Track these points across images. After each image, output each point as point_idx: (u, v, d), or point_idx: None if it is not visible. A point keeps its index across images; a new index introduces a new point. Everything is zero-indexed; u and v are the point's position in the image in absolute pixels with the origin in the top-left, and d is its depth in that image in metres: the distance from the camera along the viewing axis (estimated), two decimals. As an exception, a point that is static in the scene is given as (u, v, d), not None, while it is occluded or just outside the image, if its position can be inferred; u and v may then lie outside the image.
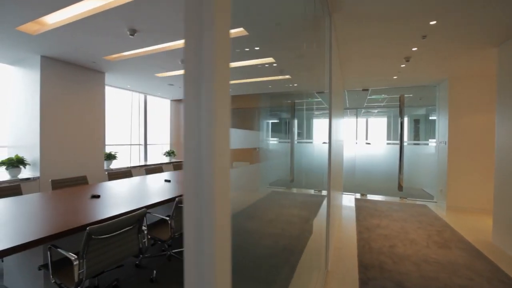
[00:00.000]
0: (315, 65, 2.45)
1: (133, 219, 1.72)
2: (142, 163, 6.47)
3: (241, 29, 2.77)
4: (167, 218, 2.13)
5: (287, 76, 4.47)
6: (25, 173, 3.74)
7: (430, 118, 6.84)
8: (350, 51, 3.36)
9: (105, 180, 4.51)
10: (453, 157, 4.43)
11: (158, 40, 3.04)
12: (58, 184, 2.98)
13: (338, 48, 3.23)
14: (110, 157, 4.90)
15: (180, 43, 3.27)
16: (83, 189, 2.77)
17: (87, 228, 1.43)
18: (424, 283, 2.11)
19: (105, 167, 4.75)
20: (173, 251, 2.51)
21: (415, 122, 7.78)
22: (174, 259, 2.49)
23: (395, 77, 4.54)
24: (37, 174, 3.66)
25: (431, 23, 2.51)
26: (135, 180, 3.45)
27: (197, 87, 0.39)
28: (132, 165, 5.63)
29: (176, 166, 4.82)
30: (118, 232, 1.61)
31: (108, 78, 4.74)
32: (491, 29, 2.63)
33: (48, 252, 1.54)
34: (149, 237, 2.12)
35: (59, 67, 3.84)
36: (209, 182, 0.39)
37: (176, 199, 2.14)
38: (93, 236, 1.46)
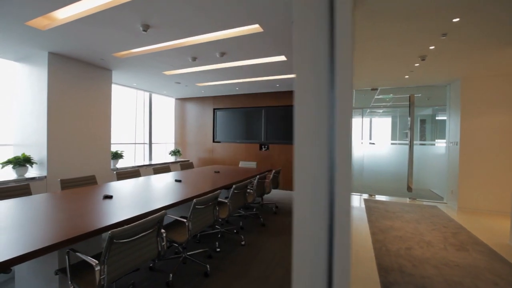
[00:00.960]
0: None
1: (154, 222, 1.65)
2: (147, 162, 6.40)
3: (256, 25, 2.70)
4: (184, 220, 2.07)
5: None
6: (31, 172, 3.66)
7: (437, 118, 6.78)
8: (364, 51, 3.29)
9: (113, 180, 4.44)
10: (465, 157, 4.38)
11: (171, 36, 2.97)
12: (67, 184, 2.91)
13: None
14: (117, 156, 4.82)
15: (192, 39, 3.19)
16: (93, 189, 2.70)
17: (110, 232, 1.36)
18: (448, 288, 2.05)
19: (111, 166, 4.67)
20: (188, 253, 2.44)
21: (421, 122, 7.72)
22: (189, 261, 2.43)
23: (406, 77, 4.48)
24: (44, 173, 3.58)
25: (454, 20, 2.44)
26: (144, 180, 3.38)
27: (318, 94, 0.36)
28: (137, 164, 5.56)
29: (184, 166, 4.75)
30: (140, 235, 1.54)
31: (114, 75, 4.67)
32: (513, 27, 2.56)
33: (66, 257, 1.47)
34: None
35: (66, 64, 3.76)
36: (337, 190, 0.35)
37: (194, 200, 2.07)
38: (115, 240, 1.39)
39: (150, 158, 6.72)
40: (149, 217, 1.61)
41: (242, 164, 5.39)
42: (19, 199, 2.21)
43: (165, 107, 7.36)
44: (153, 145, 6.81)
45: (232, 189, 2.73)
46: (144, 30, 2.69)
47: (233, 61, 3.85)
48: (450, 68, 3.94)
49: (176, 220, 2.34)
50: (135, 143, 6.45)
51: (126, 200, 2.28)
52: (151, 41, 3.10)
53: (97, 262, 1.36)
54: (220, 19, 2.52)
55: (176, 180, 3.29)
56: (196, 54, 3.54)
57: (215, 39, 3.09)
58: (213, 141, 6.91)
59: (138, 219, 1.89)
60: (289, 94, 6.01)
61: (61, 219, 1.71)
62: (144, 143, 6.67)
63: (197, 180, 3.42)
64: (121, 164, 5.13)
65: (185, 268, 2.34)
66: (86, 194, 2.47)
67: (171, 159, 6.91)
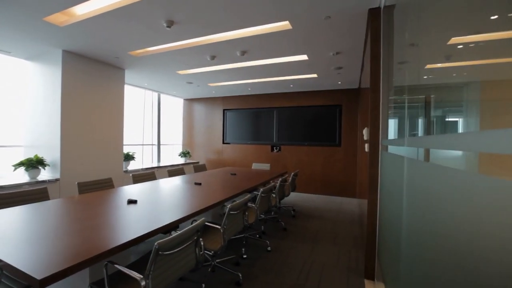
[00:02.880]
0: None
1: (195, 230, 1.52)
2: (155, 163, 6.27)
3: (285, 22, 2.59)
4: (218, 227, 1.94)
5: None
6: (43, 174, 3.53)
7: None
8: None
9: (126, 182, 4.32)
10: None
11: (194, 34, 2.85)
12: (84, 188, 2.77)
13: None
14: (128, 157, 4.69)
15: (213, 37, 3.08)
16: (113, 194, 2.56)
17: (156, 244, 1.24)
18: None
19: (123, 168, 4.54)
20: (217, 261, 2.31)
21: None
22: (218, 269, 2.30)
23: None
24: (57, 176, 3.45)
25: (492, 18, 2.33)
26: (163, 183, 3.25)
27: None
28: (145, 166, 5.42)
29: (197, 168, 4.61)
30: (184, 245, 1.42)
31: (125, 75, 4.54)
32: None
33: (104, 270, 1.35)
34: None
35: (80, 63, 3.64)
36: None
37: (229, 205, 1.95)
38: (160, 252, 1.27)
39: (159, 160, 6.59)
40: (191, 226, 1.48)
41: (255, 166, 5.26)
42: (38, 205, 2.08)
43: (173, 108, 7.23)
44: (161, 146, 6.68)
45: (259, 193, 2.61)
46: (168, 26, 2.57)
47: (253, 60, 3.73)
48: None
49: (205, 225, 2.21)
50: (142, 145, 6.31)
51: (152, 205, 2.16)
52: (173, 38, 2.98)
53: (141, 276, 1.24)
54: (250, 15, 2.41)
55: (195, 183, 3.17)
56: (216, 53, 3.43)
57: (238, 36, 2.97)
58: (223, 143, 6.78)
59: (169, 226, 1.77)
60: (302, 94, 5.89)
61: (90, 227, 1.57)
62: (152, 144, 6.53)
63: (217, 183, 3.30)
64: (132, 166, 5.00)
65: (215, 277, 2.22)
66: (107, 199, 2.34)
67: (180, 160, 6.77)
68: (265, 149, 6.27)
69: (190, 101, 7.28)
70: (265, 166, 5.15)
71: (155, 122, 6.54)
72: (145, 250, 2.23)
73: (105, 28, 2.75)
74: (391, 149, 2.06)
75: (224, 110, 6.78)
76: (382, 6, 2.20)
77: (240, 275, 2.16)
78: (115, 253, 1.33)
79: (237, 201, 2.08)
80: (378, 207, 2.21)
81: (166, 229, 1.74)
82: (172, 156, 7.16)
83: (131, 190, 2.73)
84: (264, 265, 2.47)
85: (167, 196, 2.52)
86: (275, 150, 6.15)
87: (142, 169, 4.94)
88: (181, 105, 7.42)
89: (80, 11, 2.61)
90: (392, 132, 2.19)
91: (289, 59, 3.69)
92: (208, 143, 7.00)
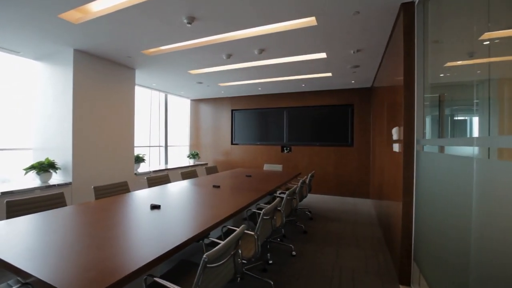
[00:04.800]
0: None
1: (236, 239, 1.42)
2: (163, 165, 6.15)
3: (310, 19, 2.49)
4: (252, 233, 1.84)
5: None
6: (54, 178, 3.41)
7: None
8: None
9: (138, 185, 4.21)
10: None
11: (214, 30, 2.74)
12: (100, 192, 2.66)
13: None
14: (138, 159, 4.58)
15: (231, 35, 2.97)
16: (131, 198, 2.45)
17: (205, 256, 1.13)
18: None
19: (134, 171, 4.42)
20: (245, 268, 2.21)
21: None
22: (247, 277, 2.19)
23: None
24: (69, 179, 3.33)
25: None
26: (178, 185, 3.14)
27: None
28: (153, 168, 5.31)
29: (209, 170, 4.50)
30: (228, 256, 1.31)
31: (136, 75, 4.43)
32: None
33: (144, 284, 1.24)
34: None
35: (91, 62, 3.53)
36: None
37: (263, 211, 1.85)
38: (208, 265, 1.16)
39: (166, 162, 6.47)
40: (233, 234, 1.38)
41: (266, 167, 5.16)
42: (57, 212, 1.96)
43: (180, 109, 7.12)
44: (168, 147, 6.57)
45: (285, 195, 2.51)
46: (188, 23, 2.46)
47: (270, 58, 3.63)
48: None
49: (229, 232, 2.11)
50: (149, 146, 6.19)
51: (177, 210, 2.05)
52: (191, 36, 2.88)
53: (188, 291, 1.13)
54: (276, 10, 2.31)
55: (214, 186, 3.06)
56: (233, 51, 3.33)
57: (257, 34, 2.87)
58: (232, 143, 6.67)
59: (203, 233, 1.67)
60: (313, 94, 5.80)
61: (119, 237, 1.46)
62: (159, 146, 6.42)
63: (236, 185, 3.19)
64: (140, 168, 4.88)
65: (245, 285, 2.11)
66: (128, 204, 2.23)
67: (187, 162, 6.66)
68: (275, 149, 6.17)
69: (197, 102, 7.17)
70: (277, 167, 5.05)
71: (162, 123, 6.43)
72: (173, 258, 2.12)
73: (122, 25, 2.64)
74: (426, 148, 1.97)
75: (232, 110, 6.67)
76: (416, 0, 2.11)
77: (272, 283, 2.06)
78: (154, 266, 1.22)
79: (270, 206, 1.98)
80: (413, 209, 2.12)
81: (199, 237, 1.64)
82: (179, 158, 7.04)
83: (149, 194, 2.62)
84: (292, 271, 2.36)
85: (189, 200, 2.41)
86: (285, 151, 6.05)
87: (153, 171, 4.83)
88: (188, 106, 7.31)
89: (96, 7, 2.50)
90: (430, 131, 2.09)
91: (307, 57, 3.59)
92: (215, 144, 6.89)
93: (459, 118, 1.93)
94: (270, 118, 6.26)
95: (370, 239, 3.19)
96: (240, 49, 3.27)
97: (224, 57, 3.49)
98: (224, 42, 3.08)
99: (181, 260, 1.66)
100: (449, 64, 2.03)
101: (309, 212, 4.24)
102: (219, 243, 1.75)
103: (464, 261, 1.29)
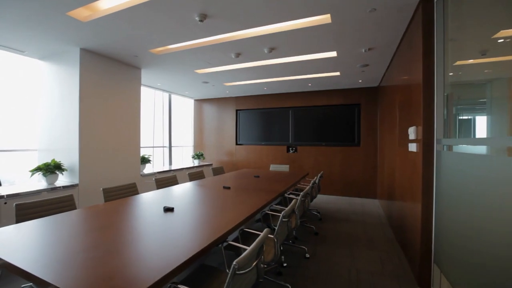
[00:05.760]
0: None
1: (261, 243, 1.37)
2: (167, 167, 6.09)
3: (325, 16, 2.44)
4: (271, 236, 1.78)
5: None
6: (61, 180, 3.34)
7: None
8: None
9: (145, 186, 4.16)
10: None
11: (224, 29, 2.69)
12: (109, 194, 2.60)
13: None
14: (144, 160, 4.51)
15: (241, 33, 2.92)
16: (141, 201, 2.39)
17: (235, 263, 1.08)
18: None
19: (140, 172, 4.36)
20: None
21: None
22: (264, 281, 2.14)
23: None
24: (75, 181, 3.27)
25: None
26: (188, 187, 3.08)
27: None
28: (158, 169, 5.25)
29: (216, 171, 4.44)
30: (255, 262, 1.26)
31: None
32: None
33: (169, 290, 1.19)
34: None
35: (98, 62, 3.46)
36: None
37: (283, 213, 1.80)
38: (237, 272, 1.11)
39: (170, 163, 6.41)
40: (259, 239, 1.33)
41: (273, 167, 5.11)
42: (68, 216, 1.90)
43: (183, 109, 7.06)
44: (173, 148, 6.50)
45: (299, 196, 2.46)
46: (200, 20, 2.41)
47: (279, 57, 3.58)
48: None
49: (254, 234, 2.06)
50: (153, 147, 6.13)
51: (191, 212, 1.99)
52: (201, 34, 2.82)
53: (218, 299, 1.08)
54: (291, 7, 2.26)
55: (224, 187, 3.01)
56: (242, 50, 3.27)
57: (269, 32, 2.82)
58: (236, 144, 6.62)
59: (223, 237, 1.62)
60: (319, 93, 5.76)
61: (137, 241, 1.40)
62: (163, 147, 6.35)
63: (245, 186, 3.13)
64: (146, 169, 4.82)
65: (261, 289, 2.06)
66: (140, 207, 2.16)
67: (191, 163, 6.60)
68: (281, 150, 6.11)
69: (200, 102, 7.11)
70: (284, 168, 5.00)
71: (165, 124, 6.37)
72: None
73: (131, 23, 2.58)
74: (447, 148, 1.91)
75: (237, 110, 6.62)
76: (435, -3, 2.06)
77: (289, 287, 2.01)
78: (179, 272, 1.17)
79: (288, 207, 1.92)
80: (433, 210, 2.07)
81: (220, 241, 1.58)
82: (182, 158, 6.98)
83: (159, 196, 2.56)
84: (308, 274, 2.31)
85: (202, 202, 2.36)
86: (291, 151, 6.00)
87: (158, 172, 4.76)
88: (191, 106, 7.25)
89: (106, 5, 2.44)
90: (452, 131, 2.04)
91: (316, 56, 3.54)
92: (219, 145, 6.83)
93: (482, 116, 1.88)
94: (275, 118, 6.21)
95: (382, 240, 3.14)
96: (250, 48, 3.21)
97: (233, 56, 3.44)
98: (234, 41, 3.03)
99: (202, 265, 1.60)
100: (469, 61, 1.99)
101: (318, 212, 4.19)
102: (237, 247, 1.71)
103: (492, 264, 1.25)
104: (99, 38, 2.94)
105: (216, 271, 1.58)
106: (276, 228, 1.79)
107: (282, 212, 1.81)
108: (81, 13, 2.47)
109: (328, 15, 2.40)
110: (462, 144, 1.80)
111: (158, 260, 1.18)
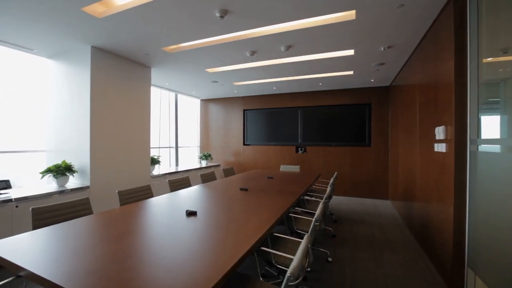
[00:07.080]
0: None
1: (306, 251, 1.28)
2: (173, 167, 6.00)
3: (349, 12, 2.36)
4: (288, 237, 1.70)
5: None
6: (71, 181, 3.24)
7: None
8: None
9: (155, 188, 4.07)
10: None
11: (244, 26, 2.61)
12: (125, 197, 2.51)
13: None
14: (154, 161, 4.42)
15: (258, 31, 2.83)
16: (159, 204, 2.29)
17: (290, 274, 1.00)
18: None
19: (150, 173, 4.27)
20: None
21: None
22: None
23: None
24: (86, 183, 3.17)
25: None
26: (203, 189, 2.99)
27: None
28: (164, 170, 5.16)
29: (226, 172, 4.35)
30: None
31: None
32: None
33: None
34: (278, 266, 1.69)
35: (108, 60, 3.37)
36: None
37: (315, 217, 1.71)
38: (290, 283, 1.03)
39: (177, 163, 6.32)
40: (303, 246, 1.24)
41: (283, 168, 5.02)
42: (87, 221, 1.80)
43: (189, 109, 6.97)
44: (179, 148, 6.41)
45: (323, 199, 2.38)
46: (221, 16, 2.32)
47: (295, 56, 3.49)
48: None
49: (280, 237, 1.98)
50: (159, 147, 6.03)
51: (215, 216, 1.89)
52: (219, 31, 2.73)
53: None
54: (314, 3, 2.17)
55: (241, 189, 2.92)
56: (258, 48, 3.19)
57: (287, 30, 2.74)
58: (244, 144, 6.53)
59: (258, 243, 1.54)
60: (329, 93, 5.68)
61: (162, 249, 1.31)
62: (170, 147, 6.26)
63: (262, 188, 3.04)
64: (155, 170, 4.72)
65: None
66: (161, 211, 2.07)
67: (199, 163, 6.51)
68: (289, 150, 6.03)
69: (207, 102, 7.02)
70: (294, 168, 4.91)
71: (172, 124, 6.27)
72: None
73: (147, 19, 2.49)
74: (481, 148, 1.82)
75: (244, 110, 6.53)
76: (468, -9, 1.99)
77: (319, 294, 1.93)
78: (221, 283, 1.08)
79: (318, 211, 1.84)
80: (467, 213, 1.99)
81: (255, 247, 1.50)
82: (188, 159, 6.89)
83: (177, 199, 2.47)
84: (333, 279, 2.23)
85: (223, 204, 2.27)
86: (300, 151, 5.92)
87: (167, 173, 4.67)
88: (197, 106, 7.16)
89: (122, 0, 2.35)
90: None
91: (333, 54, 3.46)
92: (226, 145, 6.74)
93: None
94: (283, 118, 6.13)
95: (402, 242, 3.07)
96: (266, 46, 3.13)
97: (248, 54, 3.35)
98: (251, 38, 2.94)
99: (236, 273, 1.52)
100: (500, 59, 1.91)
101: (332, 214, 4.11)
102: (268, 252, 1.63)
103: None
104: (112, 35, 2.85)
105: (249, 279, 1.49)
106: (309, 232, 1.71)
107: (315, 216, 1.73)
108: (97, 8, 2.38)
109: (353, 12, 2.33)
110: (497, 144, 1.73)
111: (195, 271, 1.10)
